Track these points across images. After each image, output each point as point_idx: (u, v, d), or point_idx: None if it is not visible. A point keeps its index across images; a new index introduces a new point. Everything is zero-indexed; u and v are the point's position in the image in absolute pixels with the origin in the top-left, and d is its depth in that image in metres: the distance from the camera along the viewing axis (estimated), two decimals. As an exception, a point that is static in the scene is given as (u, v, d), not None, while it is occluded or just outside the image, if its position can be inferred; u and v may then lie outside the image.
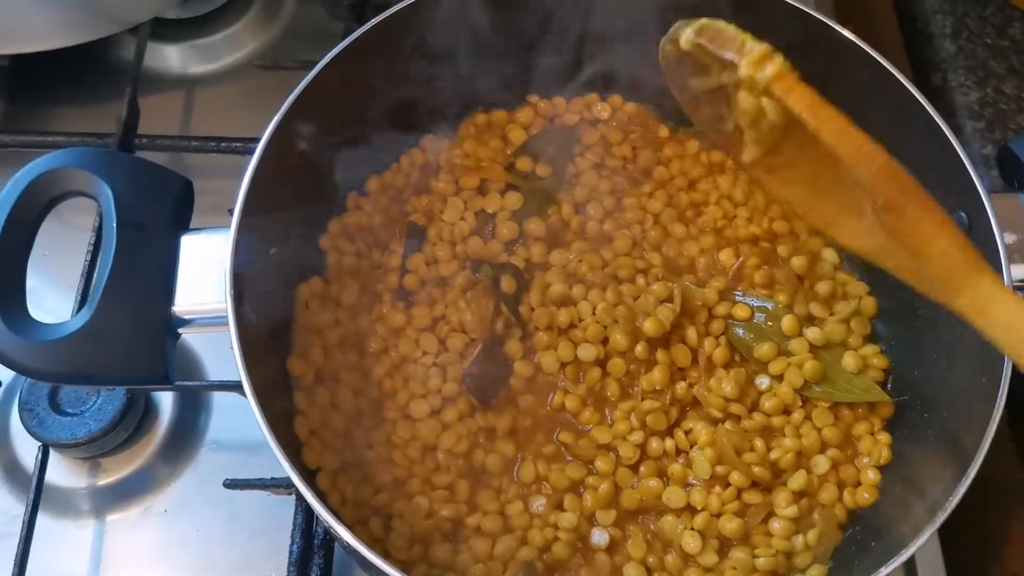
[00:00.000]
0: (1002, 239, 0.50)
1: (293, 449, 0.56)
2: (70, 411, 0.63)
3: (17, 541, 0.59)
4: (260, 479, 0.62)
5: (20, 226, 0.48)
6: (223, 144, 0.72)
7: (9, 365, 0.46)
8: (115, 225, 0.47)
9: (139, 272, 0.48)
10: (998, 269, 0.50)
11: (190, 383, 0.64)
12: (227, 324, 0.50)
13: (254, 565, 0.63)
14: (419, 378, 0.61)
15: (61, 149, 0.49)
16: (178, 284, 0.50)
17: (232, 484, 0.61)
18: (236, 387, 0.60)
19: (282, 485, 0.62)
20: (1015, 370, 0.46)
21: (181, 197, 0.51)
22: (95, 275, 0.47)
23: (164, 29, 0.81)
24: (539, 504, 0.57)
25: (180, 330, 0.50)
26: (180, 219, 0.51)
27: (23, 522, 0.60)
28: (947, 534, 0.64)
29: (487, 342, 0.62)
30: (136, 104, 0.73)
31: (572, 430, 0.60)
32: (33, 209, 0.48)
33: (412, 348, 0.62)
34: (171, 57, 0.82)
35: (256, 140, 0.53)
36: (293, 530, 0.61)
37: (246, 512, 0.64)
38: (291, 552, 0.60)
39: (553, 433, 0.60)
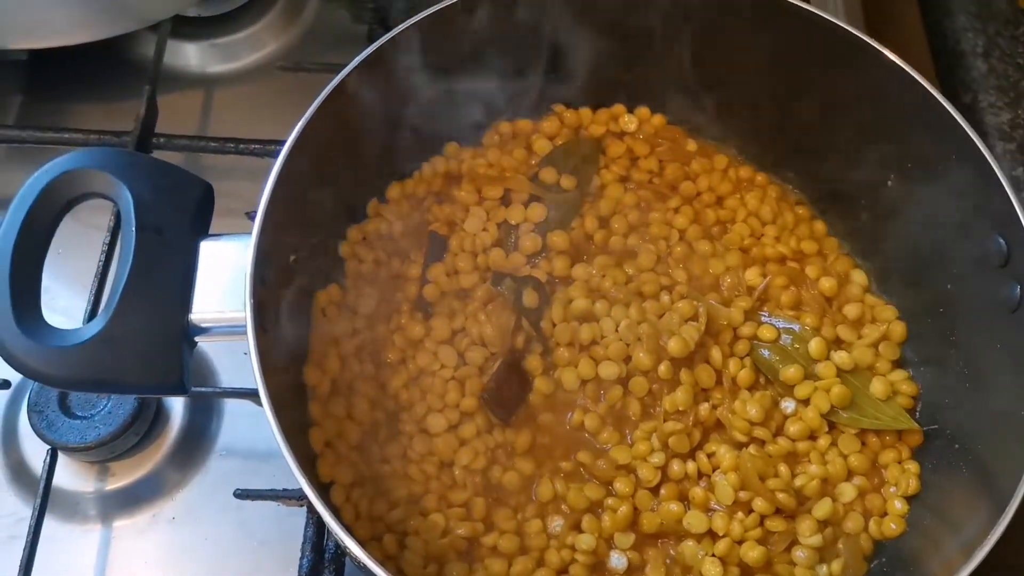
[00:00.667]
0: (1045, 269, 0.48)
1: (307, 461, 0.55)
2: (80, 414, 0.62)
3: (24, 544, 0.58)
4: (271, 490, 0.60)
5: (37, 228, 0.47)
6: (241, 146, 0.71)
7: (22, 370, 0.45)
8: (134, 229, 0.46)
9: (157, 278, 0.47)
10: (1038, 298, 0.48)
11: (205, 389, 0.63)
12: (244, 333, 0.48)
13: (263, 573, 0.62)
14: (437, 391, 0.59)
15: (79, 149, 0.48)
16: (196, 291, 0.48)
17: (243, 495, 0.60)
18: (252, 395, 0.59)
19: (294, 497, 0.61)
20: None
21: (201, 201, 0.50)
22: (111, 279, 0.45)
23: (184, 27, 0.80)
24: (556, 524, 0.56)
25: (197, 338, 0.48)
26: (199, 224, 0.50)
27: (30, 525, 0.59)
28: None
29: (507, 357, 0.60)
30: (155, 102, 0.72)
31: (591, 449, 0.59)
32: (50, 211, 0.47)
33: (430, 360, 0.60)
34: (191, 56, 0.81)
35: (276, 142, 0.52)
36: (304, 543, 0.60)
37: (256, 522, 0.63)
38: (301, 566, 0.59)
39: (572, 452, 0.59)
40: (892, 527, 0.56)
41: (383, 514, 0.55)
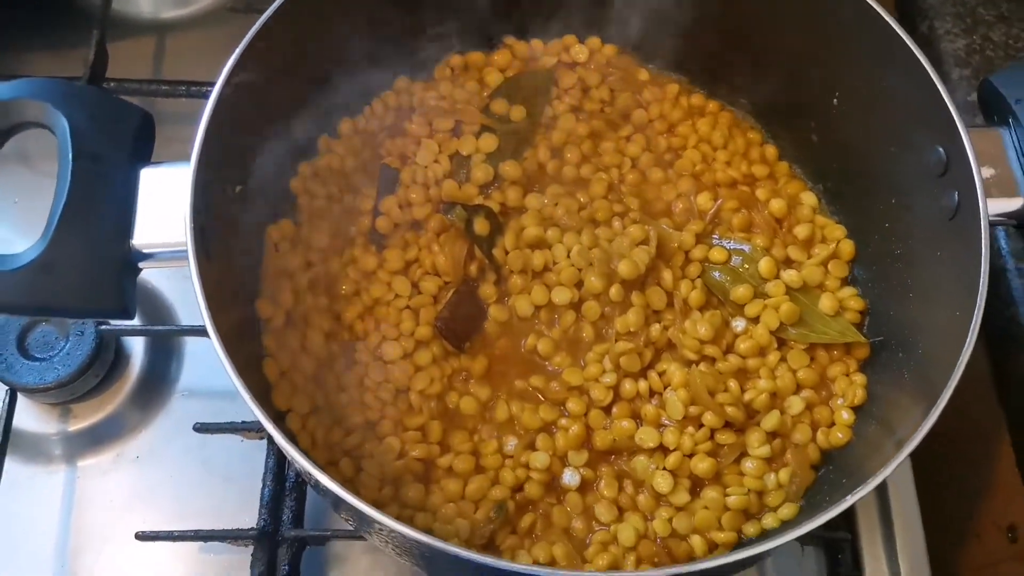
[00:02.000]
0: (979, 173, 0.49)
1: (262, 392, 0.55)
2: (38, 356, 0.63)
3: None
4: (231, 423, 0.61)
5: (-26, 157, 0.47)
6: (193, 88, 0.71)
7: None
8: (71, 156, 0.46)
9: (95, 204, 0.47)
10: (975, 203, 0.49)
11: (159, 327, 0.63)
12: (187, 260, 0.49)
13: (227, 510, 0.63)
14: (391, 321, 0.60)
15: (17, 80, 0.48)
16: (137, 217, 0.49)
17: (203, 428, 0.61)
18: (202, 331, 0.59)
19: (253, 429, 0.61)
20: (988, 304, 0.45)
21: (141, 129, 0.50)
22: (51, 208, 0.45)
23: None
24: (511, 444, 0.57)
25: (141, 264, 0.49)
26: (140, 152, 0.50)
27: None
28: (927, 484, 0.64)
29: (461, 286, 0.61)
30: (104, 48, 0.71)
31: (544, 373, 0.60)
32: (-13, 141, 0.47)
33: (384, 291, 0.61)
34: (142, 2, 0.81)
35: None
36: (264, 473, 0.61)
37: (218, 458, 0.64)
38: (262, 495, 0.60)
39: (526, 375, 0.60)
40: (839, 436, 0.57)
41: (339, 440, 0.56)
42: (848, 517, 0.64)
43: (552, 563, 0.54)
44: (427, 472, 0.56)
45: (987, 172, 0.50)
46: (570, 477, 0.56)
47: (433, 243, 0.62)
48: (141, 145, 0.50)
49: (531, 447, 0.57)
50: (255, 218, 0.59)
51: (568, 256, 0.61)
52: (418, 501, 0.55)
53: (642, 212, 0.64)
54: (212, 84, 0.69)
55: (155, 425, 0.66)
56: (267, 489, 0.60)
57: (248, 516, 0.61)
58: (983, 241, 0.48)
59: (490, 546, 0.54)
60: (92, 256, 0.46)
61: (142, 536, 0.59)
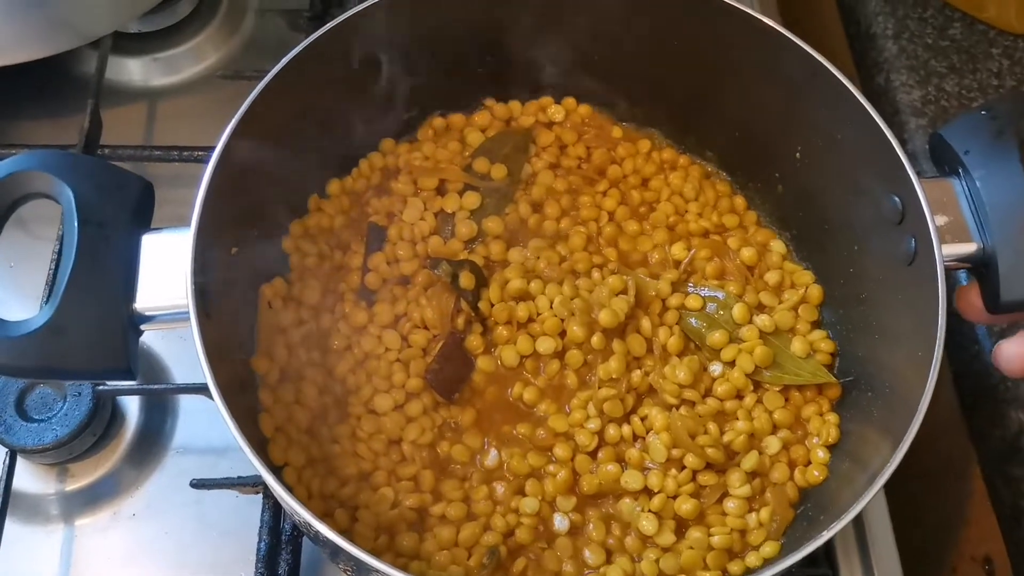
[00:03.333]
0: (933, 222, 0.52)
1: (259, 445, 0.57)
2: (37, 417, 0.64)
3: None
4: (227, 478, 0.63)
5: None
6: (185, 153, 0.74)
7: (-31, 363, 0.47)
8: (76, 224, 0.48)
9: (101, 269, 0.49)
10: (930, 250, 0.52)
11: (156, 386, 0.65)
12: (188, 319, 0.51)
13: (224, 564, 0.64)
14: (382, 374, 0.62)
15: (21, 152, 0.50)
16: (139, 282, 0.51)
17: (199, 484, 0.62)
18: (202, 389, 0.62)
19: (248, 483, 0.63)
20: (954, 343, 0.48)
21: (141, 197, 0.52)
22: (58, 273, 0.48)
23: (126, 42, 0.82)
24: (501, 490, 0.59)
25: (143, 327, 0.51)
26: (141, 218, 0.52)
27: None
28: (902, 518, 0.66)
29: (449, 338, 0.63)
30: (98, 115, 0.74)
31: (530, 420, 0.62)
32: (-6, 213, 0.49)
33: (375, 345, 0.63)
34: (133, 70, 0.84)
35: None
36: (261, 527, 0.62)
37: (214, 513, 0.65)
38: (259, 549, 0.61)
39: (514, 422, 0.62)
40: (816, 474, 0.59)
41: (335, 491, 0.58)
42: (828, 554, 0.65)
43: (545, 606, 0.55)
44: (421, 520, 0.58)
45: (941, 220, 0.54)
46: (560, 522, 0.58)
47: (421, 297, 0.65)
48: (142, 212, 0.52)
49: (520, 492, 0.59)
50: (250, 277, 0.61)
51: (551, 307, 0.64)
52: (413, 549, 0.57)
53: (620, 263, 0.67)
54: (203, 149, 0.73)
55: (151, 482, 0.67)
56: (263, 543, 0.62)
57: (245, 570, 0.62)
58: (940, 285, 0.51)
59: (483, 591, 0.56)
60: (99, 319, 0.48)
61: None
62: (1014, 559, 0.67)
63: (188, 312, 0.50)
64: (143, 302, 0.50)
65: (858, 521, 0.65)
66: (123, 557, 0.64)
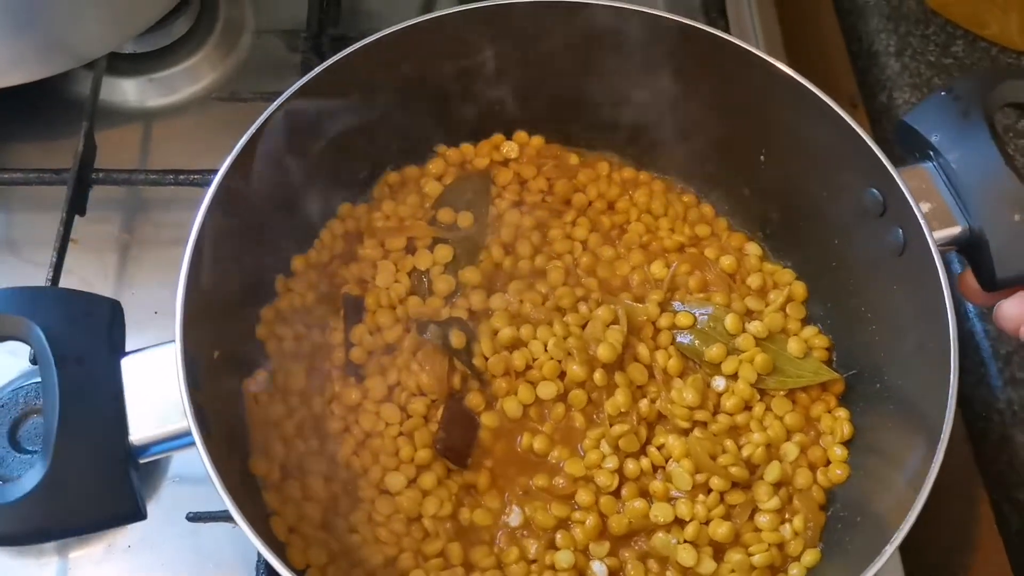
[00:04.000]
0: (919, 209, 0.53)
1: (276, 551, 0.54)
2: (30, 448, 0.61)
3: None
4: (223, 511, 0.59)
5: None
6: (181, 177, 0.71)
7: (-35, 538, 0.43)
8: (53, 364, 0.45)
9: (89, 410, 0.45)
10: (921, 239, 0.53)
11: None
12: (187, 445, 0.48)
13: None
14: (388, 450, 0.59)
15: None
16: (129, 412, 0.47)
17: (195, 517, 0.60)
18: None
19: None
20: (961, 335, 0.49)
21: (112, 319, 0.49)
22: (45, 421, 0.44)
23: (120, 63, 0.80)
24: (533, 548, 0.57)
25: (141, 460, 0.47)
26: (116, 342, 0.49)
27: None
28: (908, 544, 0.66)
29: (448, 400, 0.61)
30: (92, 139, 0.72)
31: (546, 470, 0.60)
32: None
33: (374, 421, 0.60)
34: (128, 91, 0.81)
35: (215, 172, 0.53)
36: (258, 561, 0.60)
37: (211, 546, 0.63)
38: None
39: (531, 475, 0.60)
40: (838, 473, 0.59)
41: (364, 584, 0.55)
42: None
43: (601, 660, 0.54)
44: (459, 596, 0.56)
45: (924, 207, 0.54)
46: (599, 568, 0.57)
47: (412, 363, 0.62)
48: (116, 335, 0.49)
49: (552, 547, 0.58)
50: (233, 377, 0.58)
51: (546, 350, 0.62)
52: (456, 629, 0.55)
53: (602, 290, 0.66)
54: (199, 172, 0.70)
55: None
56: None
57: None
58: (940, 273, 0.51)
59: (537, 657, 0.54)
60: (97, 465, 0.44)
61: None
62: None
63: (188, 436, 0.47)
64: (137, 434, 0.47)
65: None
66: None
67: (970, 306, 0.77)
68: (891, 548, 0.46)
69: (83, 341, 0.47)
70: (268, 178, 0.60)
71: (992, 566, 0.70)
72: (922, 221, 0.53)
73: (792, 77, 0.58)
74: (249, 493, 0.56)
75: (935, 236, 0.53)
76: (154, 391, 0.48)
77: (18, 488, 0.43)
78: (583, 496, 0.59)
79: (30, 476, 0.43)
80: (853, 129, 0.56)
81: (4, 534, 0.43)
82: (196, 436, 0.46)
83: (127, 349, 0.50)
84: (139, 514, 0.45)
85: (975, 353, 0.74)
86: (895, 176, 0.54)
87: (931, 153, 0.56)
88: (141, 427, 0.47)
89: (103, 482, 0.44)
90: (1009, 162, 0.54)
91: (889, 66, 0.85)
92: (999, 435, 0.73)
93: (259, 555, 0.59)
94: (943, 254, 0.53)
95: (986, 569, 0.70)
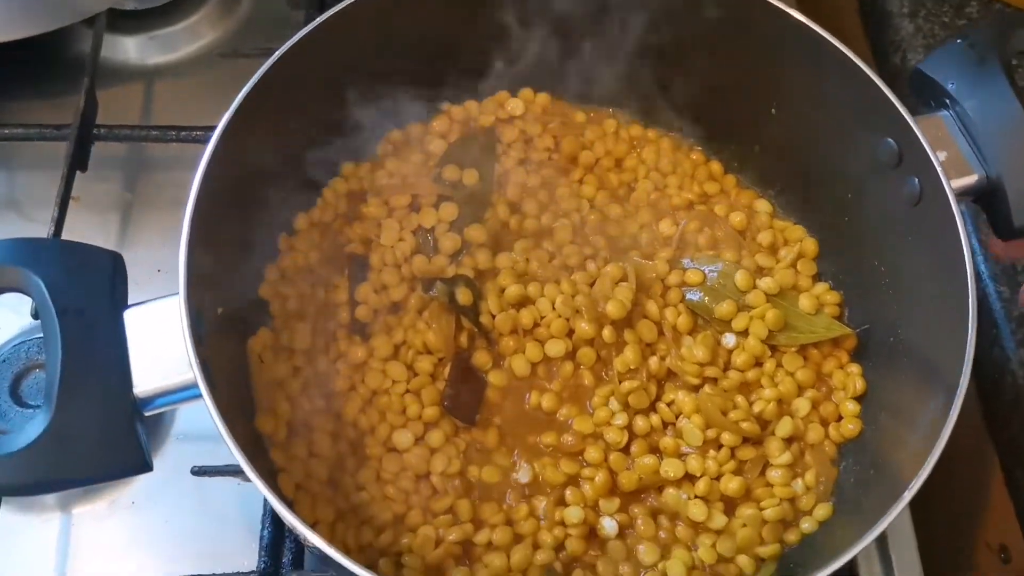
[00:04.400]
0: (936, 159, 0.52)
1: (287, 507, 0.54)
2: (32, 403, 0.61)
3: None
4: (228, 466, 0.60)
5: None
6: (183, 133, 0.71)
7: (-32, 489, 0.42)
8: (55, 316, 0.44)
9: (92, 360, 0.44)
10: (938, 187, 0.52)
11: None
12: (192, 398, 0.47)
13: (226, 554, 0.61)
14: (395, 408, 0.59)
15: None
16: (133, 365, 0.46)
17: (200, 471, 0.60)
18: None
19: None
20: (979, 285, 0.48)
21: (114, 271, 0.48)
22: (47, 373, 0.43)
23: (121, 21, 0.80)
24: (542, 505, 0.57)
25: (147, 412, 0.46)
26: (118, 295, 0.48)
27: None
28: (918, 505, 0.65)
29: (455, 359, 0.60)
30: (94, 95, 0.72)
31: (554, 428, 0.60)
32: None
33: (380, 380, 0.60)
34: (129, 49, 0.81)
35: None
36: (264, 516, 0.60)
37: (215, 501, 0.63)
38: (262, 538, 0.59)
39: (539, 433, 0.59)
40: (850, 427, 0.59)
41: (372, 541, 0.55)
42: None
43: (613, 616, 0.54)
44: (467, 552, 0.55)
45: (941, 155, 0.53)
46: (609, 524, 0.56)
47: (417, 322, 0.61)
48: (118, 288, 0.48)
49: (562, 503, 0.57)
50: (237, 336, 0.57)
51: (554, 308, 0.62)
52: (467, 584, 0.54)
53: (610, 249, 0.65)
54: (201, 128, 0.70)
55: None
56: (267, 531, 0.59)
57: (247, 560, 0.59)
58: (957, 219, 0.50)
59: (548, 612, 0.54)
60: (102, 416, 0.44)
61: None
62: None
63: (193, 388, 0.46)
64: (142, 386, 0.46)
65: None
66: (121, 546, 0.61)
67: (983, 268, 0.76)
68: (904, 501, 0.46)
69: (85, 293, 0.46)
70: (269, 134, 0.59)
71: (1002, 529, 0.69)
72: (939, 170, 0.52)
73: (806, 24, 0.56)
74: (255, 451, 0.55)
75: (952, 185, 0.52)
76: (158, 344, 0.47)
77: (21, 438, 0.42)
78: (592, 453, 0.58)
79: (32, 427, 0.42)
80: (869, 78, 0.55)
81: (7, 484, 0.43)
82: (203, 388, 0.45)
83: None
84: (146, 465, 0.45)
85: (988, 315, 0.73)
86: (912, 125, 0.53)
87: (947, 101, 0.55)
88: (145, 379, 0.46)
89: (107, 433, 0.44)
90: (1027, 108, 0.52)
91: (903, 27, 0.84)
92: (1012, 397, 0.72)
93: (263, 511, 0.59)
94: (961, 200, 0.52)
95: (996, 532, 0.69)
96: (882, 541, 0.63)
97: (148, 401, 0.46)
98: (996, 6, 0.83)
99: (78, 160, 0.69)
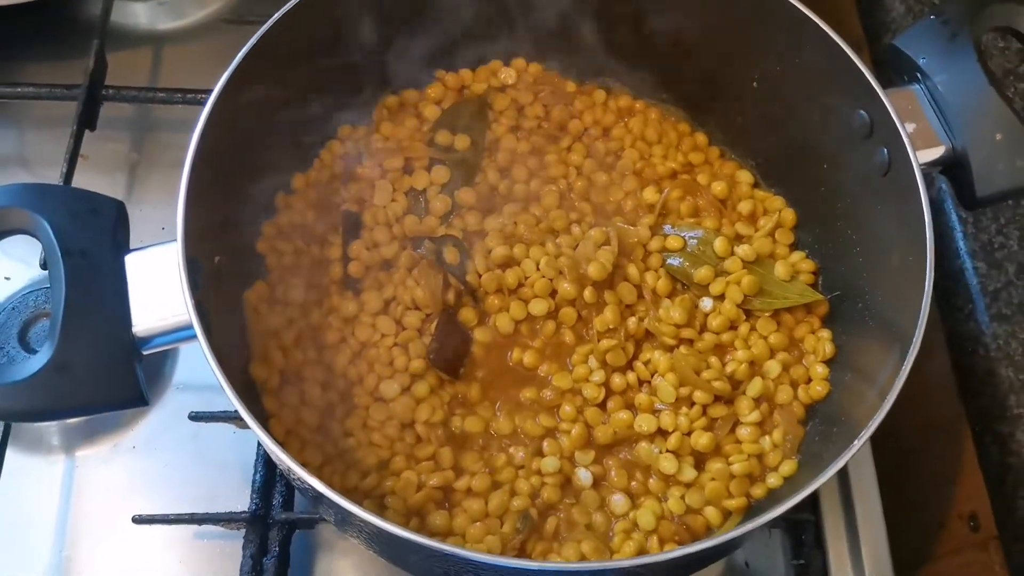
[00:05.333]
0: (904, 129, 0.54)
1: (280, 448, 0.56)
2: (38, 349, 0.62)
3: None
4: (224, 412, 0.63)
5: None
6: (189, 96, 0.73)
7: (-24, 413, 0.45)
8: (60, 256, 0.47)
9: (94, 299, 0.47)
10: (905, 157, 0.54)
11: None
12: (187, 339, 0.50)
13: (220, 496, 0.64)
14: (383, 360, 0.62)
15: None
16: (132, 305, 0.49)
17: (197, 416, 0.63)
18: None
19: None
20: (941, 304, 0.49)
21: (118, 219, 0.51)
22: (51, 310, 0.46)
23: None
24: (520, 455, 0.59)
25: (144, 351, 0.49)
26: (120, 240, 0.51)
27: None
28: (893, 476, 0.67)
29: (442, 315, 0.63)
30: (103, 56, 0.74)
31: (534, 383, 0.62)
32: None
33: (370, 333, 0.62)
34: (139, 13, 0.83)
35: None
36: (256, 460, 0.63)
37: (212, 447, 0.66)
38: (254, 481, 0.62)
39: (520, 386, 0.62)
40: (818, 389, 0.61)
41: (357, 484, 0.58)
42: (812, 499, 0.65)
43: (582, 559, 0.56)
44: (447, 497, 0.58)
45: (909, 127, 0.55)
46: (583, 475, 0.59)
47: (407, 279, 0.64)
48: (120, 233, 0.51)
49: (539, 454, 0.60)
50: (233, 286, 0.60)
51: (538, 269, 0.64)
52: (445, 527, 0.57)
53: (595, 215, 0.67)
54: (207, 91, 0.70)
55: (151, 417, 0.67)
56: (259, 475, 0.63)
57: (240, 503, 0.63)
58: (920, 188, 0.53)
59: (521, 555, 0.57)
60: (102, 350, 0.47)
61: (139, 520, 0.60)
62: (998, 516, 0.69)
63: (188, 330, 0.49)
64: (141, 326, 0.49)
65: (843, 470, 0.66)
66: (122, 488, 0.65)
67: (962, 244, 0.78)
68: (855, 448, 0.48)
69: (89, 237, 0.49)
70: (267, 96, 0.61)
71: (972, 498, 0.72)
72: (906, 140, 0.54)
73: (797, 7, 0.58)
74: (249, 398, 0.58)
75: (919, 155, 0.55)
76: (157, 287, 0.50)
77: (26, 368, 0.45)
78: (569, 407, 0.61)
79: (38, 358, 0.45)
80: (843, 51, 0.57)
81: (13, 410, 0.46)
82: (197, 329, 0.48)
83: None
84: (142, 399, 0.48)
85: (964, 290, 0.76)
86: (882, 97, 0.55)
87: (919, 76, 0.57)
88: (144, 319, 0.49)
89: (107, 367, 0.47)
90: (994, 82, 0.54)
91: (895, 8, 0.85)
92: (984, 369, 0.75)
93: (256, 456, 0.62)
94: (925, 173, 0.54)
95: (967, 501, 0.72)
96: (848, 502, 0.65)
97: (146, 340, 0.49)
98: None
99: (87, 119, 0.71)
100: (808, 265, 0.65)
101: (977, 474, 0.73)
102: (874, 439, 0.55)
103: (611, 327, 0.63)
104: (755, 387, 0.61)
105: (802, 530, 0.65)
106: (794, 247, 0.67)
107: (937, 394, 0.75)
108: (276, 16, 0.58)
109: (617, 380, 0.62)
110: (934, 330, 0.49)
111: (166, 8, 0.83)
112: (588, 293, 0.63)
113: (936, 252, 0.52)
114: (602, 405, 0.61)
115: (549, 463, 0.59)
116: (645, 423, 0.60)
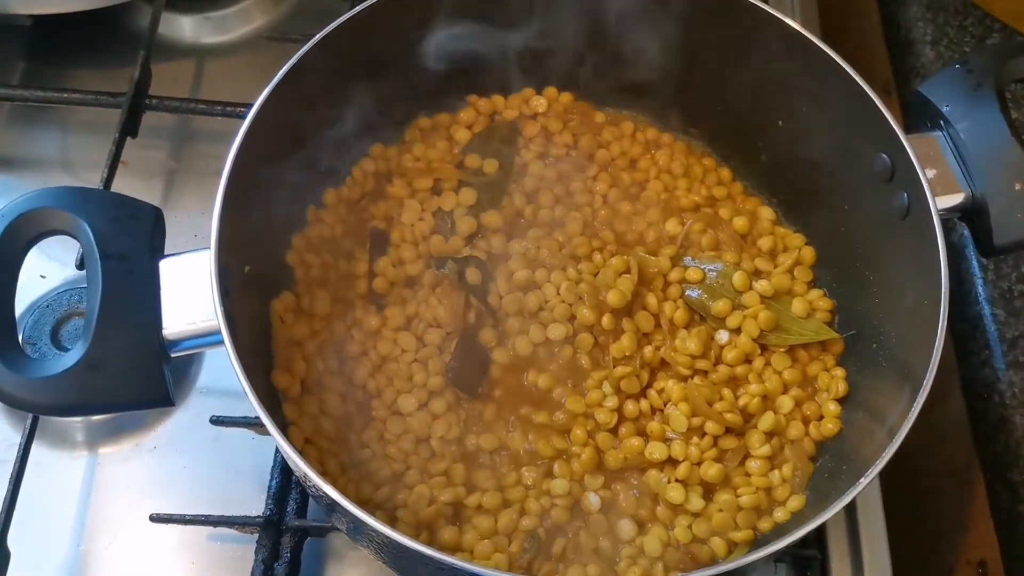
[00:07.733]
0: (924, 174, 0.55)
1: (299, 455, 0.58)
2: (70, 347, 0.65)
3: (11, 468, 0.61)
4: (244, 418, 0.64)
5: (2, 268, 0.49)
6: (228, 109, 0.76)
7: (11, 403, 0.47)
8: (98, 258, 0.49)
9: (128, 302, 0.49)
10: (923, 202, 0.55)
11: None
12: (215, 343, 0.51)
13: (236, 500, 0.65)
14: (402, 375, 0.63)
15: (36, 191, 0.50)
16: (163, 308, 0.51)
17: (218, 420, 0.64)
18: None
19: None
20: (957, 350, 0.50)
21: (154, 225, 0.53)
22: (87, 309, 0.48)
23: (179, 0, 0.85)
24: (531, 475, 0.60)
25: (173, 354, 0.51)
26: (155, 246, 0.53)
27: (19, 449, 0.62)
28: (904, 521, 0.67)
29: (462, 334, 0.64)
30: (148, 67, 0.76)
31: (548, 406, 0.63)
32: (12, 251, 0.49)
33: (391, 348, 0.64)
34: (185, 27, 0.86)
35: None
36: (273, 467, 0.64)
37: (231, 452, 0.68)
38: (270, 487, 0.64)
39: (535, 408, 0.63)
40: (829, 427, 0.62)
41: (370, 495, 0.59)
42: (819, 536, 0.66)
43: (589, 582, 0.57)
44: (458, 513, 0.59)
45: (930, 173, 0.56)
46: (593, 499, 0.60)
47: (430, 296, 0.66)
48: (156, 239, 0.53)
49: (550, 475, 0.61)
50: (261, 295, 0.62)
51: (558, 293, 0.65)
52: (454, 543, 0.58)
53: (618, 243, 0.69)
54: (247, 105, 0.71)
55: (173, 419, 0.68)
56: (275, 481, 0.64)
57: (256, 506, 0.64)
58: (938, 233, 0.53)
59: (528, 574, 0.57)
60: (133, 351, 0.48)
61: (156, 518, 0.62)
62: (1007, 564, 0.69)
63: (216, 335, 0.50)
64: (171, 329, 0.51)
65: (851, 508, 0.66)
66: (142, 487, 0.66)
67: (981, 291, 0.78)
68: (860, 486, 0.48)
69: (127, 241, 0.50)
70: (304, 113, 0.63)
71: (983, 546, 0.72)
72: (926, 185, 0.55)
73: (812, 41, 0.60)
74: (270, 405, 0.59)
75: (938, 201, 0.55)
76: (188, 292, 0.52)
77: (60, 363, 0.47)
78: (580, 431, 0.61)
79: (71, 354, 0.47)
80: (868, 95, 0.58)
81: (45, 404, 0.47)
82: (225, 335, 0.49)
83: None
84: (168, 399, 0.49)
85: (982, 336, 0.76)
86: (904, 142, 0.56)
87: (942, 122, 0.58)
88: (174, 323, 0.51)
89: (137, 367, 0.48)
90: (1015, 134, 0.55)
91: (924, 54, 0.86)
92: (998, 416, 0.74)
93: (273, 463, 0.64)
94: (944, 220, 0.55)
95: (977, 548, 0.72)
96: (855, 540, 0.65)
97: (175, 343, 0.51)
98: (1018, 39, 0.86)
99: (129, 127, 0.74)
100: (825, 303, 0.66)
101: (988, 521, 0.73)
102: (886, 481, 0.56)
103: (627, 354, 0.64)
104: (767, 421, 0.61)
105: (808, 566, 0.65)
106: (812, 285, 0.68)
107: (951, 439, 0.75)
108: (317, 37, 0.60)
109: (630, 407, 0.62)
110: (950, 374, 0.50)
111: (211, 23, 0.86)
112: (606, 320, 0.64)
113: (954, 297, 0.53)
114: (614, 430, 0.62)
115: (559, 485, 0.60)
116: (656, 450, 0.61)
